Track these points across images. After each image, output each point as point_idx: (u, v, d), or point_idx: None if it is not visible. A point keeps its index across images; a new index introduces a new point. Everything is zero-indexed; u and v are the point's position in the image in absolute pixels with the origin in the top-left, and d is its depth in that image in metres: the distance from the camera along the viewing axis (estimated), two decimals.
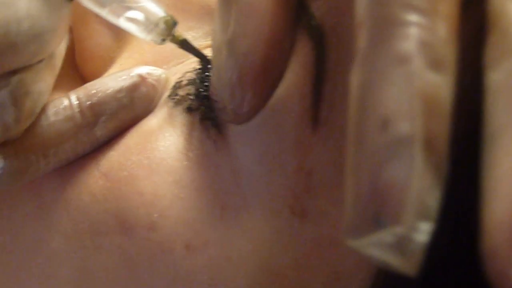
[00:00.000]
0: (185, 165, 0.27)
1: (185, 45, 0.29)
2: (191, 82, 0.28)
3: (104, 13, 0.27)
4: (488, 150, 0.15)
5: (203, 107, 0.27)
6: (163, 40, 0.28)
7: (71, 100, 0.27)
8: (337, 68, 0.25)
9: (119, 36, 0.31)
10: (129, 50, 0.31)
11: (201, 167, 0.26)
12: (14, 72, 0.24)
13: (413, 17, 0.16)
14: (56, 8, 0.24)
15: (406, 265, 0.15)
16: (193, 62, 0.30)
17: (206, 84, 0.28)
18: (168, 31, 0.28)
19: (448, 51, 0.16)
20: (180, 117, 0.28)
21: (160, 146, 0.27)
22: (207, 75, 0.28)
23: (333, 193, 0.25)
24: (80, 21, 0.31)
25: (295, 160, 0.25)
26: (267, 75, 0.23)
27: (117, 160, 0.27)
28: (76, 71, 0.31)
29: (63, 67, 0.28)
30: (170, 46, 0.30)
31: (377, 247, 0.15)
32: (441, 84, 0.16)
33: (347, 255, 0.26)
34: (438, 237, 0.20)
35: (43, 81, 0.26)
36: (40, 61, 0.25)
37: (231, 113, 0.24)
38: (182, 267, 0.26)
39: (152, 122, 0.28)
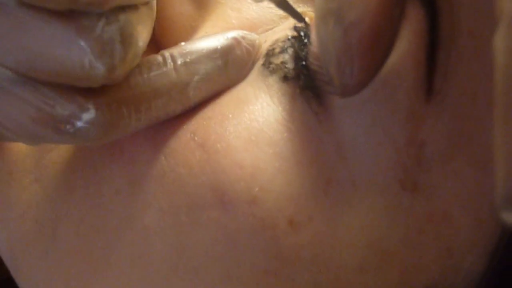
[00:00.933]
0: (285, 137, 0.25)
1: (283, 4, 0.27)
2: (285, 50, 0.27)
3: None
4: None
5: (303, 76, 0.26)
6: None
7: (165, 57, 0.26)
8: (451, 35, 0.24)
9: (201, 4, 0.30)
10: (213, 19, 0.30)
11: (303, 140, 0.25)
12: (123, 9, 0.23)
13: None
14: None
15: None
16: (282, 30, 0.29)
17: (304, 53, 0.26)
18: None
19: None
20: (277, 86, 0.26)
21: (259, 116, 0.26)
22: (304, 43, 0.27)
23: (447, 166, 0.24)
24: None
25: (406, 132, 0.24)
26: (377, 45, 0.22)
27: (214, 130, 0.26)
28: (154, 43, 0.30)
29: None
30: (256, 12, 0.29)
31: None
32: None
33: (461, 230, 0.25)
34: None
35: (145, 28, 0.25)
36: (144, 3, 0.24)
37: (338, 86, 0.23)
38: (285, 244, 0.25)
39: (248, 90, 0.27)
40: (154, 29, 0.30)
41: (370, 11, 0.21)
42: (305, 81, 0.26)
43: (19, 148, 0.31)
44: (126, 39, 0.23)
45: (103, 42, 0.22)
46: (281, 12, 0.29)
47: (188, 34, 0.30)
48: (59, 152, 0.30)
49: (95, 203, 0.28)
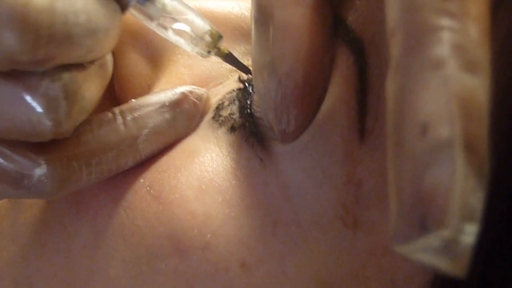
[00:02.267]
0: (234, 184, 0.27)
1: (229, 58, 0.29)
2: (232, 102, 0.29)
3: (153, 26, 0.28)
4: None
5: (248, 123, 0.27)
6: (209, 52, 0.29)
7: (115, 113, 0.28)
8: (379, 78, 0.25)
9: (156, 64, 0.32)
10: (166, 76, 0.32)
11: (250, 185, 0.27)
12: (67, 68, 0.24)
13: (444, 22, 0.16)
14: (110, 12, 0.25)
15: (455, 268, 0.15)
16: (231, 83, 0.30)
17: (248, 101, 0.28)
18: (213, 44, 0.29)
19: (481, 53, 0.16)
20: (225, 138, 0.28)
21: (208, 167, 0.27)
22: (249, 92, 0.28)
23: (383, 202, 0.25)
24: (117, 51, 0.31)
25: (344, 172, 0.26)
26: (310, 93, 0.24)
27: (168, 183, 0.27)
28: (114, 99, 0.32)
29: (104, 93, 0.29)
30: (207, 69, 0.31)
31: (425, 251, 0.15)
32: (477, 86, 0.16)
33: (403, 263, 0.26)
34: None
35: (93, 85, 0.26)
36: (92, 62, 0.26)
37: (278, 133, 0.25)
38: (239, 285, 0.26)
39: (198, 143, 0.29)
40: (113, 87, 0.32)
41: (300, 62, 0.23)
42: (250, 128, 0.27)
43: None
44: (70, 95, 0.24)
45: (48, 99, 0.24)
46: (230, 67, 0.31)
47: (145, 91, 0.32)
48: (32, 212, 0.32)
49: (65, 257, 0.29)
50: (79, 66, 0.25)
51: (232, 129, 0.28)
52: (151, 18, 0.28)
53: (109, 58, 0.29)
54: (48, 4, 0.22)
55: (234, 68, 0.31)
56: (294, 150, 0.26)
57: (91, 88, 0.26)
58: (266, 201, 0.26)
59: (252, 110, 0.28)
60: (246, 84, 0.29)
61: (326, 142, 0.26)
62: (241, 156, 0.27)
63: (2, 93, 0.23)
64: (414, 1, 0.17)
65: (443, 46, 0.16)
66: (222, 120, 0.28)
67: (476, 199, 0.15)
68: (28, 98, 0.23)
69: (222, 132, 0.28)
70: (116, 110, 0.28)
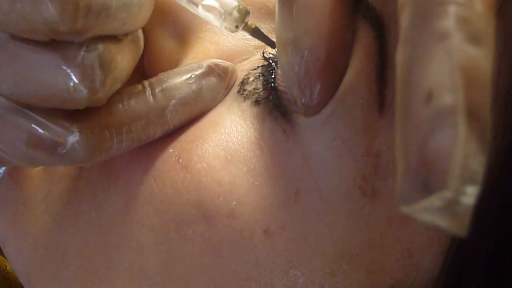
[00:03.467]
0: (257, 154, 0.28)
1: (256, 32, 0.30)
2: (257, 77, 0.30)
3: (184, 2, 0.29)
4: None
5: (272, 97, 0.28)
6: (237, 27, 0.30)
7: (144, 86, 0.29)
8: None
9: (183, 40, 0.33)
10: (193, 52, 0.33)
11: (273, 155, 0.28)
12: (102, 39, 0.26)
13: None
14: None
15: (456, 227, 0.16)
16: (257, 60, 0.31)
17: (273, 76, 0.29)
18: (241, 19, 0.30)
19: (486, 25, 0.17)
20: (250, 110, 0.29)
21: (234, 138, 0.29)
22: (273, 68, 0.29)
23: None
24: (147, 28, 0.33)
25: (363, 144, 0.27)
26: (332, 67, 0.25)
27: (195, 153, 0.29)
28: (144, 73, 0.34)
29: (134, 69, 0.30)
30: (233, 45, 0.32)
31: (427, 212, 0.16)
32: (480, 57, 0.17)
33: (419, 232, 0.27)
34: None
35: (126, 57, 0.27)
36: (125, 36, 0.27)
37: (302, 106, 0.26)
38: (262, 251, 0.27)
39: (224, 115, 0.30)
40: (142, 62, 0.33)
41: (322, 38, 0.24)
42: (274, 101, 0.28)
43: (32, 181, 0.35)
44: (105, 65, 0.26)
45: (85, 68, 0.25)
46: (256, 43, 0.32)
47: (172, 66, 0.33)
48: (65, 183, 0.33)
49: (96, 225, 0.31)
50: (114, 38, 0.27)
51: (257, 102, 0.29)
52: None
53: (140, 34, 0.30)
54: None
55: (259, 44, 0.32)
56: (317, 123, 0.27)
57: (124, 59, 0.27)
58: (288, 170, 0.28)
59: (276, 84, 0.29)
60: (270, 61, 0.30)
61: (347, 115, 0.27)
62: (265, 128, 0.28)
63: (42, 62, 0.25)
64: None
65: (448, 19, 0.17)
66: (246, 94, 0.30)
67: (478, 163, 0.16)
68: (66, 67, 0.25)
69: (246, 105, 0.29)
70: (146, 82, 0.29)
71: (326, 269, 0.27)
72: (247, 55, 0.32)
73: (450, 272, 0.27)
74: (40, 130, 0.26)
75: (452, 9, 0.17)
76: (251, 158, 0.28)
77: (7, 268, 0.40)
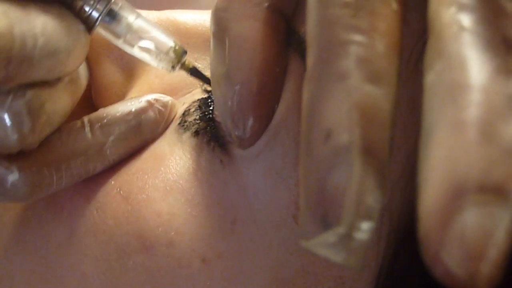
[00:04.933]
0: (195, 185, 0.29)
1: (194, 72, 0.31)
2: (197, 109, 0.31)
3: (120, 43, 0.30)
4: (423, 145, 0.16)
5: (209, 128, 0.29)
6: (173, 67, 0.31)
7: (83, 122, 0.30)
8: None
9: (130, 73, 0.34)
10: (139, 85, 0.34)
11: (210, 185, 0.29)
12: (31, 86, 0.27)
13: (354, 37, 0.18)
14: (73, 33, 0.27)
15: (351, 262, 0.17)
16: (199, 92, 0.32)
17: (211, 107, 0.30)
18: (177, 59, 0.31)
19: (386, 65, 0.18)
20: (189, 141, 0.30)
21: (173, 169, 0.30)
22: (212, 100, 0.30)
23: None
24: (95, 62, 0.34)
25: (295, 174, 0.27)
26: (264, 101, 0.26)
27: (136, 184, 0.30)
28: (92, 106, 0.34)
29: (81, 102, 0.31)
30: (177, 78, 0.33)
31: (324, 246, 0.17)
32: (379, 96, 0.17)
33: None
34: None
35: (60, 100, 0.28)
36: (59, 80, 0.28)
37: (236, 139, 0.27)
38: (199, 280, 0.28)
39: (164, 147, 0.31)
40: (90, 95, 0.34)
41: (254, 72, 0.25)
42: (212, 132, 0.29)
43: None
44: (34, 111, 0.27)
45: (13, 115, 0.26)
46: None
47: (119, 99, 0.34)
48: (15, 211, 0.34)
49: (43, 255, 0.31)
50: (45, 83, 0.27)
51: (196, 133, 0.30)
52: (117, 36, 0.30)
53: (82, 72, 0.31)
54: (6, 29, 0.24)
55: None
56: (251, 154, 0.28)
57: (58, 103, 0.28)
58: (225, 200, 0.29)
59: (214, 116, 0.30)
60: (210, 94, 0.31)
61: (280, 147, 0.28)
62: (203, 158, 0.29)
63: None
64: (328, 17, 0.18)
65: (349, 59, 0.17)
66: (187, 125, 0.31)
67: (374, 199, 0.17)
68: None
69: (186, 137, 0.30)
70: (85, 118, 0.30)
71: None
72: (190, 89, 0.33)
73: None
74: None
75: (353, 49, 0.18)
76: (189, 189, 0.29)
77: None
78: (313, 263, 0.28)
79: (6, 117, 0.26)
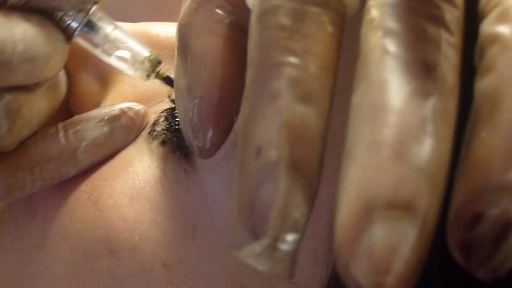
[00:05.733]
0: (160, 192, 0.30)
1: (168, 81, 0.33)
2: (166, 119, 0.32)
3: (97, 52, 0.31)
4: (343, 164, 0.17)
5: (175, 138, 0.31)
6: (148, 76, 0.32)
7: (58, 128, 0.31)
8: None
9: (104, 82, 0.36)
10: (113, 93, 0.35)
11: (174, 193, 0.30)
12: (9, 89, 0.28)
13: (288, 58, 0.18)
14: (52, 41, 0.29)
15: (277, 271, 0.18)
16: (169, 102, 0.33)
17: (177, 119, 0.31)
18: (152, 68, 0.32)
19: (318, 85, 0.18)
20: (157, 150, 0.31)
21: (140, 176, 0.31)
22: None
23: None
24: (72, 71, 0.35)
25: None
26: (223, 113, 0.26)
27: (104, 190, 0.31)
28: (69, 113, 0.36)
29: (60, 110, 0.32)
30: (150, 87, 0.34)
31: (251, 257, 0.18)
32: (309, 115, 0.18)
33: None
34: None
35: (38, 105, 0.30)
36: (37, 85, 0.29)
37: (196, 149, 0.27)
38: (161, 284, 0.29)
39: (134, 154, 0.32)
40: (68, 103, 0.35)
41: (214, 86, 0.26)
42: (177, 142, 0.31)
43: None
44: (11, 114, 0.28)
45: None
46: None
47: (94, 107, 0.35)
48: None
49: (17, 256, 0.33)
50: (23, 88, 0.29)
51: (163, 142, 0.31)
52: (95, 45, 0.31)
53: (62, 80, 0.32)
54: None
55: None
56: (212, 164, 0.29)
57: (34, 107, 0.29)
58: (187, 207, 0.30)
59: (180, 127, 0.31)
60: None
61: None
62: (168, 167, 0.31)
63: None
64: (265, 39, 0.19)
65: (281, 79, 0.18)
66: (155, 135, 0.32)
67: (300, 213, 0.18)
68: None
69: (154, 146, 0.31)
70: (60, 124, 0.31)
71: None
72: (162, 98, 0.34)
73: None
74: None
75: (286, 70, 0.18)
76: (154, 196, 0.30)
77: None
78: None
79: None
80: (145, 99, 0.34)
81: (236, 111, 0.28)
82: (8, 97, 0.28)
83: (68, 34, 0.30)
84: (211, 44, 0.26)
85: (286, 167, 0.18)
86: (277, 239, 0.17)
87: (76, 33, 0.30)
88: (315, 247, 0.28)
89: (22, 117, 0.28)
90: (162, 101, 0.34)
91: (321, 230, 0.28)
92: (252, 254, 0.18)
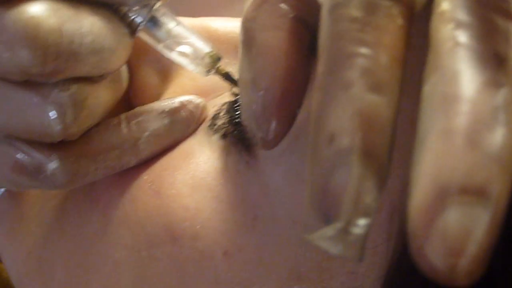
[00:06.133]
0: (221, 183, 0.31)
1: (227, 77, 0.33)
2: (226, 113, 0.33)
3: (160, 47, 0.32)
4: (416, 151, 0.18)
5: (236, 131, 0.31)
6: (208, 72, 0.33)
7: (120, 119, 0.33)
8: None
9: (165, 76, 0.37)
10: (173, 87, 0.36)
11: (235, 184, 0.31)
12: (76, 80, 0.29)
13: (359, 49, 0.19)
14: (118, 35, 0.30)
15: (347, 253, 0.18)
16: (228, 95, 0.34)
17: (237, 112, 0.32)
18: (212, 64, 0.33)
19: (388, 76, 0.19)
20: (218, 144, 0.32)
21: (201, 167, 0.32)
22: (238, 104, 0.32)
23: None
24: (134, 65, 0.36)
25: None
26: (286, 105, 0.27)
27: (166, 180, 0.32)
28: (130, 107, 0.37)
29: (121, 102, 0.34)
30: (209, 81, 0.35)
31: (324, 240, 0.19)
32: (380, 104, 0.19)
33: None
34: None
35: (101, 96, 0.31)
36: (101, 77, 0.30)
37: (260, 140, 0.28)
38: (222, 270, 0.30)
39: (194, 146, 0.33)
40: (129, 95, 0.36)
41: (278, 78, 0.27)
42: (239, 135, 0.31)
43: (29, 198, 0.38)
44: (77, 104, 0.29)
45: (57, 106, 0.28)
46: None
47: (154, 99, 0.36)
48: (56, 201, 0.37)
49: (79, 242, 0.34)
50: (89, 79, 0.30)
51: (224, 136, 0.32)
52: (158, 41, 0.32)
53: (123, 74, 0.33)
54: (56, 26, 0.26)
55: None
56: (274, 155, 0.30)
57: (98, 98, 0.30)
58: (248, 198, 0.30)
59: (241, 120, 0.32)
60: (237, 97, 0.33)
61: (300, 149, 0.29)
62: (229, 159, 0.31)
63: (18, 99, 0.28)
64: (337, 31, 0.20)
65: (353, 69, 0.19)
66: (216, 129, 0.33)
67: (372, 198, 0.18)
68: (40, 105, 0.28)
69: (215, 138, 0.32)
70: (123, 115, 0.33)
71: (278, 287, 0.30)
72: (220, 92, 0.35)
73: None
74: (23, 158, 0.29)
75: (358, 61, 0.19)
76: (215, 186, 0.31)
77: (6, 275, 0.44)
78: (327, 259, 0.29)
79: (52, 108, 0.28)
80: (204, 93, 0.35)
81: (299, 104, 0.29)
82: (74, 87, 0.29)
83: (132, 28, 0.31)
84: (275, 38, 0.27)
85: (358, 154, 0.18)
86: (350, 223, 0.18)
87: (140, 28, 0.31)
88: (374, 237, 0.29)
89: (87, 108, 0.30)
90: (221, 94, 0.35)
91: (380, 220, 0.28)
92: (324, 237, 0.19)
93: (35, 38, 0.26)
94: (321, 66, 0.20)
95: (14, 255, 0.37)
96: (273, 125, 0.27)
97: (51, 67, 0.27)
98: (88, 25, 0.28)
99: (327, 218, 0.19)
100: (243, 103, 0.28)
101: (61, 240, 0.35)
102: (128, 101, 0.37)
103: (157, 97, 0.36)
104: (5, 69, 0.26)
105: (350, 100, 0.19)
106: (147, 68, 0.37)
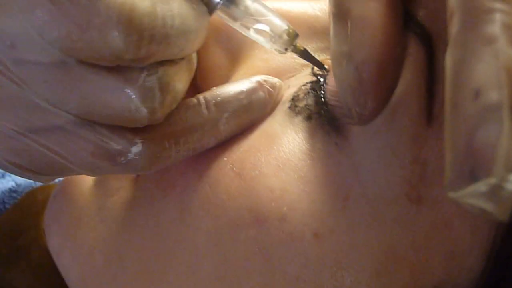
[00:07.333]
0: (309, 164, 0.30)
1: (305, 54, 0.33)
2: (307, 94, 0.32)
3: (237, 26, 0.32)
4: None
5: (323, 111, 0.30)
6: (286, 49, 0.32)
7: (199, 99, 0.31)
8: None
9: (235, 57, 0.36)
10: (244, 68, 0.35)
11: (324, 165, 0.30)
12: (161, 63, 0.28)
13: (497, 5, 0.19)
14: (199, 14, 0.29)
15: (499, 211, 0.18)
16: (303, 76, 0.34)
17: (322, 91, 0.31)
18: (290, 42, 0.32)
19: None
20: (301, 125, 0.31)
21: (285, 148, 0.31)
22: (322, 83, 0.31)
23: None
24: (203, 44, 0.35)
25: (411, 153, 0.28)
26: (384, 79, 0.27)
27: (248, 161, 0.31)
28: (195, 88, 0.36)
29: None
30: (281, 62, 0.34)
31: (474, 197, 0.18)
32: None
33: (461, 235, 0.28)
34: None
35: (182, 78, 0.30)
36: (182, 58, 0.29)
37: (356, 115, 0.27)
38: (311, 253, 0.29)
39: (276, 128, 0.32)
40: (196, 77, 0.35)
41: (375, 51, 0.26)
42: (326, 116, 0.30)
43: (84, 197, 0.37)
44: (164, 87, 0.28)
45: (145, 90, 0.27)
46: (302, 61, 0.34)
47: (223, 81, 0.35)
48: (119, 195, 0.36)
49: (153, 231, 0.33)
50: (171, 61, 0.29)
51: (308, 117, 0.31)
52: (235, 19, 0.32)
53: (194, 53, 0.32)
54: (150, 9, 0.25)
55: (305, 63, 0.34)
56: (368, 132, 0.29)
57: (180, 80, 0.29)
58: (338, 179, 0.29)
59: (327, 99, 0.31)
60: (319, 77, 0.32)
61: (397, 125, 0.28)
62: (317, 140, 0.30)
63: (106, 85, 0.27)
64: None
65: (495, 25, 0.19)
66: (298, 110, 0.32)
67: None
68: (128, 90, 0.27)
69: (298, 120, 0.31)
70: (201, 96, 0.32)
71: (372, 270, 0.29)
72: (294, 72, 0.35)
73: (492, 273, 0.28)
74: (105, 142, 0.28)
75: (498, 17, 0.19)
76: (302, 167, 0.30)
77: None
78: (425, 238, 0.28)
79: (139, 92, 0.27)
80: (276, 74, 0.34)
81: (397, 78, 0.28)
82: (161, 70, 0.28)
83: (210, 7, 0.30)
84: (372, 9, 0.26)
85: (508, 109, 0.18)
86: (503, 179, 0.17)
87: (218, 6, 0.31)
88: (475, 216, 0.28)
89: (172, 90, 0.29)
90: (293, 75, 0.35)
91: None
92: (474, 194, 0.18)
93: (130, 22, 0.25)
94: (455, 24, 0.20)
95: (74, 254, 0.36)
96: (370, 99, 0.27)
97: (144, 52, 0.26)
98: (177, 6, 0.27)
99: (473, 176, 0.18)
100: (337, 77, 0.28)
101: (133, 232, 0.34)
102: (194, 83, 0.36)
103: (225, 78, 0.36)
104: (95, 54, 0.25)
105: (495, 55, 0.18)
106: (216, 49, 0.36)
